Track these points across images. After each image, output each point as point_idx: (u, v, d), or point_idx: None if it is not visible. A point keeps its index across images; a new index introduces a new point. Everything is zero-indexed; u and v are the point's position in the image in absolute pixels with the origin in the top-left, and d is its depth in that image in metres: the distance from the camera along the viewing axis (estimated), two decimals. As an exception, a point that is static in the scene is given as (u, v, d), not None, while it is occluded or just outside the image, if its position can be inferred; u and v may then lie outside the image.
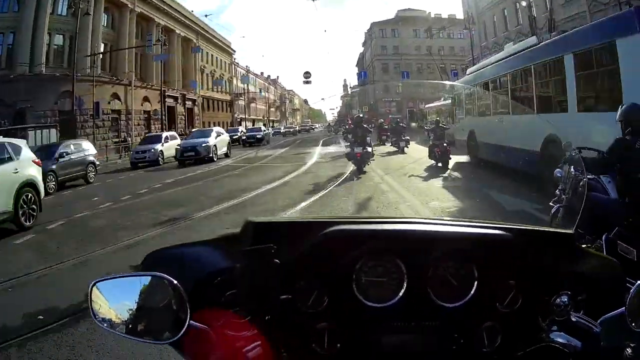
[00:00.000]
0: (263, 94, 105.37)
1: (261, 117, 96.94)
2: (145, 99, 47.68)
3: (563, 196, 4.56)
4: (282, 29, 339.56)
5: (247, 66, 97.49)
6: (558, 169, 4.92)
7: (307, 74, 70.42)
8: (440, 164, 13.47)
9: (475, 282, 1.30)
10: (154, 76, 49.56)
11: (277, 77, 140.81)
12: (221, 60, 78.23)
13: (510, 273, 1.30)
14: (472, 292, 1.30)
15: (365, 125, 15.35)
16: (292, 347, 1.24)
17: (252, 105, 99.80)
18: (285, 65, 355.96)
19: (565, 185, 4.59)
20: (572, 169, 4.47)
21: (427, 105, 31.34)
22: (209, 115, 68.26)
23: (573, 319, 1.23)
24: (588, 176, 4.56)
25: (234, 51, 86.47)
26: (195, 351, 1.13)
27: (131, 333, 1.11)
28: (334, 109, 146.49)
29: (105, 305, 1.12)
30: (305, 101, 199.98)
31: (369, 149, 14.41)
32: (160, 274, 1.12)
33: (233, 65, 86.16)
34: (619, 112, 4.88)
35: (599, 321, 1.19)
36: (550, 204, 4.61)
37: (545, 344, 1.25)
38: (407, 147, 19.08)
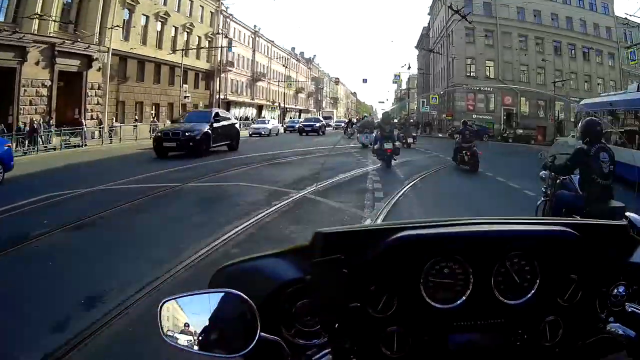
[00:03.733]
0: (281, 70, 72.97)
1: (271, 103, 64.98)
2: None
3: (548, 192, 6.77)
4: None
5: (255, 26, 65.53)
6: (543, 172, 6.90)
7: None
8: (467, 167, 15.74)
9: (538, 279, 1.31)
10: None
11: (314, 56, 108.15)
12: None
13: (570, 267, 1.32)
14: (534, 288, 1.31)
15: (393, 121, 18.48)
16: (362, 352, 1.25)
17: (261, 84, 67.94)
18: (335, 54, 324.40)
19: (547, 183, 6.80)
20: (551, 172, 6.55)
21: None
22: (147, 91, 42.18)
23: (628, 310, 1.27)
24: (562, 177, 6.40)
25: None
26: None
27: (201, 348, 1.12)
28: (383, 102, 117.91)
29: (175, 323, 1.14)
30: (354, 94, 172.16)
31: (397, 144, 16.78)
32: (230, 290, 1.14)
33: (221, 17, 54.40)
34: (579, 126, 6.65)
35: None
36: (540, 197, 7.00)
37: (603, 335, 1.29)
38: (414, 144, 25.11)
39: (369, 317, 1.26)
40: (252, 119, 57.37)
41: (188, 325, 1.13)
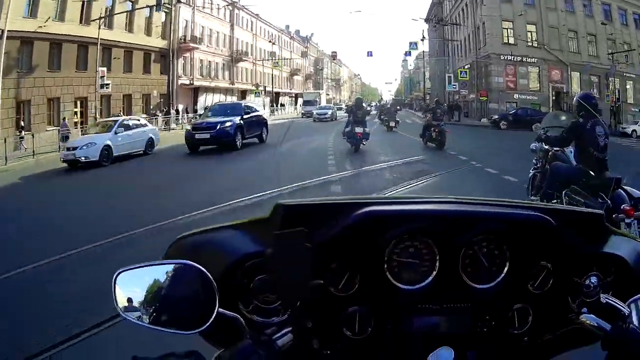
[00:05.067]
0: (270, 49, 60.58)
1: (255, 87, 52.91)
2: None
3: (538, 164, 7.02)
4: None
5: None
6: (533, 144, 7.28)
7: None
8: (435, 145, 17.14)
9: (507, 263, 1.28)
10: None
11: (311, 34, 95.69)
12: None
13: (541, 253, 1.28)
14: (503, 273, 1.28)
15: (364, 106, 19.20)
16: (323, 331, 1.22)
17: (244, 65, 56.03)
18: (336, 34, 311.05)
19: (539, 155, 7.01)
20: (543, 144, 6.77)
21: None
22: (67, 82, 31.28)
23: (602, 301, 1.22)
24: (555, 149, 6.52)
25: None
26: (225, 340, 1.10)
27: (157, 324, 1.07)
28: (391, 83, 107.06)
29: (130, 296, 1.08)
30: (358, 75, 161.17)
31: (367, 130, 17.45)
32: (187, 262, 1.09)
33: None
34: (574, 100, 6.31)
35: (627, 303, 1.19)
36: (530, 171, 7.28)
37: (575, 326, 1.27)
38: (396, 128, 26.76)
39: (331, 296, 1.23)
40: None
41: (143, 299, 1.08)
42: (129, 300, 1.08)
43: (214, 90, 48.25)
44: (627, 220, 4.95)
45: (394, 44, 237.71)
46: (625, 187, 5.36)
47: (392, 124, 27.27)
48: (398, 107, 43.42)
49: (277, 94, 67.34)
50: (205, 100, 45.51)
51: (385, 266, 1.24)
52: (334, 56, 50.42)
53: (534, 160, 7.26)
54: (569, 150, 6.32)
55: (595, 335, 1.19)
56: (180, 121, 37.68)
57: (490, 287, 1.27)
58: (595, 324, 1.18)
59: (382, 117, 32.33)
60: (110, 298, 1.08)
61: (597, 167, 5.65)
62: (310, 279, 1.12)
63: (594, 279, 1.27)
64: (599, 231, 1.35)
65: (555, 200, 6.03)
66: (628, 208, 4.98)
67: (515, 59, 39.03)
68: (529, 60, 39.30)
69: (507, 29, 39.64)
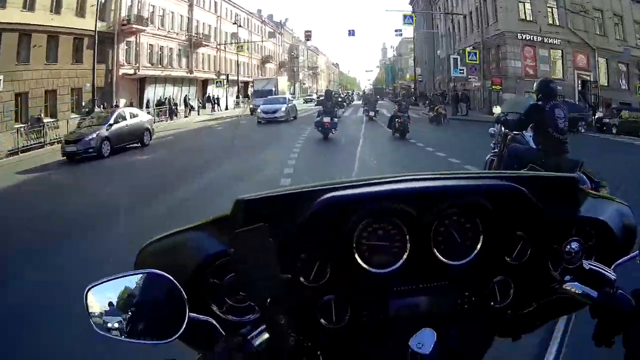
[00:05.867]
0: (239, 33, 52.33)
1: (216, 76, 44.81)
2: None
3: (496, 149, 6.95)
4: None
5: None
6: (492, 128, 7.43)
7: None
8: (397, 134, 18.17)
9: (481, 236, 1.25)
10: None
11: (285, 19, 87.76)
12: None
13: (515, 223, 1.26)
14: (478, 247, 1.25)
15: (334, 98, 20.26)
16: (299, 325, 1.17)
17: (205, 51, 47.99)
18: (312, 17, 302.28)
19: (497, 140, 6.94)
20: (502, 128, 6.73)
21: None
22: None
23: (586, 267, 1.21)
24: (514, 133, 6.45)
25: None
26: (200, 344, 1.14)
27: (132, 336, 1.07)
28: (371, 71, 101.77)
29: (103, 310, 1.08)
30: (336, 64, 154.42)
31: (336, 120, 18.52)
32: (153, 271, 1.08)
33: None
34: (535, 85, 6.28)
35: (612, 267, 1.20)
36: (487, 156, 7.32)
37: (560, 295, 1.25)
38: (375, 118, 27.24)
39: (303, 288, 1.21)
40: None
41: (116, 312, 1.08)
42: (102, 314, 1.07)
43: (165, 80, 40.19)
44: None
45: (373, 30, 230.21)
46: (585, 171, 5.31)
47: (371, 113, 27.90)
48: (378, 97, 40.42)
49: (246, 84, 59.56)
50: (155, 93, 37.52)
51: (355, 251, 1.21)
52: (308, 36, 42.10)
53: (491, 145, 7.31)
54: (528, 135, 6.32)
55: (580, 303, 1.18)
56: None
57: (466, 262, 1.24)
58: (581, 292, 1.16)
59: (365, 107, 31.81)
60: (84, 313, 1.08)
61: (557, 149, 5.67)
62: (278, 273, 1.09)
63: (574, 245, 1.23)
64: (575, 195, 1.32)
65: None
66: (590, 188, 4.37)
67: (535, 39, 31.83)
68: (551, 40, 32.14)
69: (523, 2, 32.45)
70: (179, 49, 43.23)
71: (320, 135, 18.42)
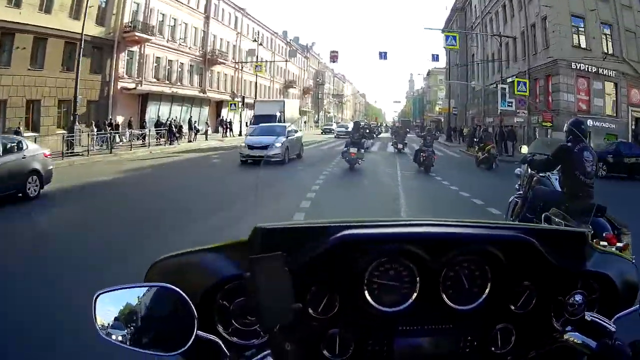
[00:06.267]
0: (262, 53, 49.12)
1: (230, 97, 41.16)
2: None
3: (520, 190, 6.74)
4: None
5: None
6: (518, 169, 7.22)
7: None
8: (422, 168, 17.76)
9: (489, 284, 1.30)
10: None
11: (312, 43, 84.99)
12: None
13: (523, 274, 1.30)
14: (485, 294, 1.30)
15: (362, 129, 19.75)
16: (303, 354, 1.24)
17: (221, 70, 44.90)
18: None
19: (523, 181, 6.71)
20: (528, 169, 6.47)
21: None
22: None
23: (587, 318, 1.25)
24: (540, 174, 6.31)
25: None
26: None
27: (137, 345, 1.10)
28: (399, 102, 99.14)
29: (110, 317, 1.11)
30: (362, 95, 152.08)
31: (362, 151, 18.23)
32: (166, 285, 1.12)
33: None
34: (565, 125, 5.92)
35: (613, 319, 1.23)
36: (511, 197, 6.95)
37: (560, 344, 1.28)
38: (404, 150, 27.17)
39: (310, 318, 1.24)
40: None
41: (123, 320, 1.11)
42: (109, 321, 1.09)
43: (172, 98, 36.51)
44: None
45: (402, 61, 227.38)
46: (608, 217, 5.13)
47: (399, 146, 28.07)
48: (407, 130, 39.19)
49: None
50: (159, 112, 33.82)
51: (365, 288, 1.24)
52: (334, 57, 37.42)
53: (516, 186, 7.17)
54: (554, 177, 6.20)
55: (580, 353, 1.21)
56: (117, 141, 26.52)
57: (472, 308, 1.26)
58: (581, 342, 1.20)
59: (395, 139, 31.91)
60: (90, 318, 1.09)
61: (583, 193, 5.44)
62: (289, 302, 1.11)
63: (578, 297, 1.26)
64: (583, 250, 1.34)
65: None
66: (610, 236, 4.82)
67: (589, 69, 27.49)
68: (606, 72, 27.78)
69: (576, 26, 28.27)
70: (191, 65, 40.09)
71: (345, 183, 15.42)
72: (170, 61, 36.81)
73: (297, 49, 70.82)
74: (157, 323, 1.12)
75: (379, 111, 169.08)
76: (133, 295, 1.12)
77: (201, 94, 40.94)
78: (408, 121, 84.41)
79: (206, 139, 35.57)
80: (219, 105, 43.40)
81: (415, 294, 1.25)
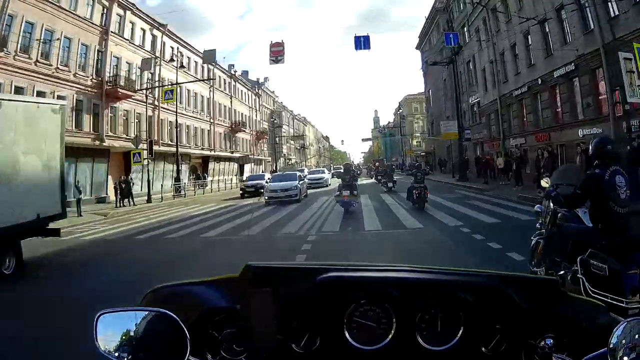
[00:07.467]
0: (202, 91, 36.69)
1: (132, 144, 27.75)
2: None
3: (543, 229, 5.58)
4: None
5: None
6: (538, 205, 6.17)
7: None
8: (416, 205, 16.43)
9: (462, 327, 1.34)
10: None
11: (265, 79, 73.44)
12: None
13: (495, 318, 1.34)
14: (458, 336, 1.34)
15: (353, 171, 19.08)
16: None
17: (123, 107, 31.22)
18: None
19: (545, 219, 5.52)
20: (550, 204, 5.33)
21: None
22: None
23: None
24: (564, 210, 5.12)
25: None
26: None
27: None
28: (369, 139, 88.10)
29: (110, 337, 1.18)
30: (326, 138, 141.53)
31: (355, 193, 17.54)
32: (164, 311, 1.19)
33: None
34: (590, 147, 4.85)
35: None
36: (532, 238, 5.71)
37: None
38: (394, 188, 25.98)
39: (293, 353, 1.31)
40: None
41: (122, 340, 1.17)
42: (109, 340, 1.17)
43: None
44: None
45: (364, 102, 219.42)
46: None
47: (390, 184, 26.81)
48: (393, 167, 40.45)
49: (206, 159, 43.40)
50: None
51: (345, 327, 1.32)
52: (326, 137, 26.01)
53: (537, 225, 5.94)
54: (582, 211, 5.04)
55: None
56: None
57: (444, 349, 1.32)
58: None
59: (378, 177, 33.61)
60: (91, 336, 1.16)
61: (620, 226, 4.48)
62: (274, 335, 1.22)
63: (549, 341, 1.29)
64: (554, 296, 1.39)
65: (562, 272, 4.72)
66: None
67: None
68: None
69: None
70: (78, 100, 27.10)
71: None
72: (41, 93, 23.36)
73: (252, 91, 59.06)
74: (153, 346, 1.16)
75: (344, 154, 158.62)
76: (133, 318, 1.18)
77: (94, 142, 27.94)
78: (382, 160, 73.82)
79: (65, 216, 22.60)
80: (125, 155, 29.45)
81: (391, 335, 1.31)
